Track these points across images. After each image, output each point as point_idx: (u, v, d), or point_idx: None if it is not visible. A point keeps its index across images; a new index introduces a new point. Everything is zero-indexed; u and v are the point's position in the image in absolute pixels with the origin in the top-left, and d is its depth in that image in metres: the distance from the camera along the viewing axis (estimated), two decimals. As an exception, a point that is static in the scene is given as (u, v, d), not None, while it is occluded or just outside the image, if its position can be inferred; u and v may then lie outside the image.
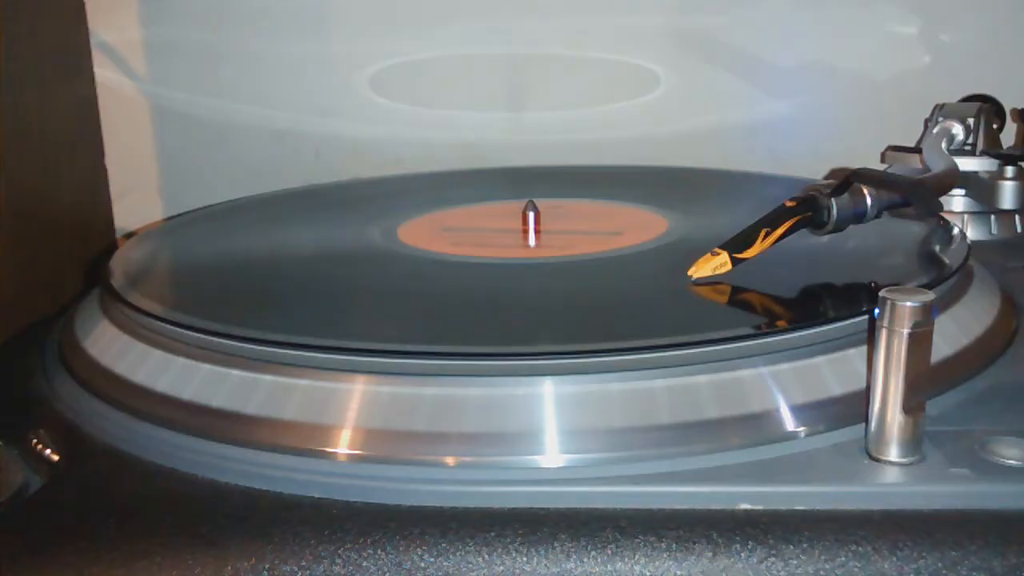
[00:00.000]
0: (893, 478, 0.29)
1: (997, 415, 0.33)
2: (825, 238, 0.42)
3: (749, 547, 0.27)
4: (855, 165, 0.44)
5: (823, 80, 0.71)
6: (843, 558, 0.27)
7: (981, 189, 0.54)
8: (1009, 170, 0.54)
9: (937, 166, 0.49)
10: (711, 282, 0.39)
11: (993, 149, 0.56)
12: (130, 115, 0.74)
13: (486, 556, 0.27)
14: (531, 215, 0.49)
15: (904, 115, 0.64)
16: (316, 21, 0.73)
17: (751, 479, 0.29)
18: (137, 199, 0.75)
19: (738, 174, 0.64)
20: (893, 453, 0.30)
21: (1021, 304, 0.43)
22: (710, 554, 0.27)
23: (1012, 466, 0.29)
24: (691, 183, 0.63)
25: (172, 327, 0.36)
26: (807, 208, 0.41)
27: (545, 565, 0.27)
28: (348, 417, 0.32)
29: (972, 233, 0.55)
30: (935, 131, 0.56)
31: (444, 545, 0.28)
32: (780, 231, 0.40)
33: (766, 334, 0.34)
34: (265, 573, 0.27)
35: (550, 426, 0.31)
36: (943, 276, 0.39)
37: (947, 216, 0.50)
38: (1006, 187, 0.53)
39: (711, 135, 0.73)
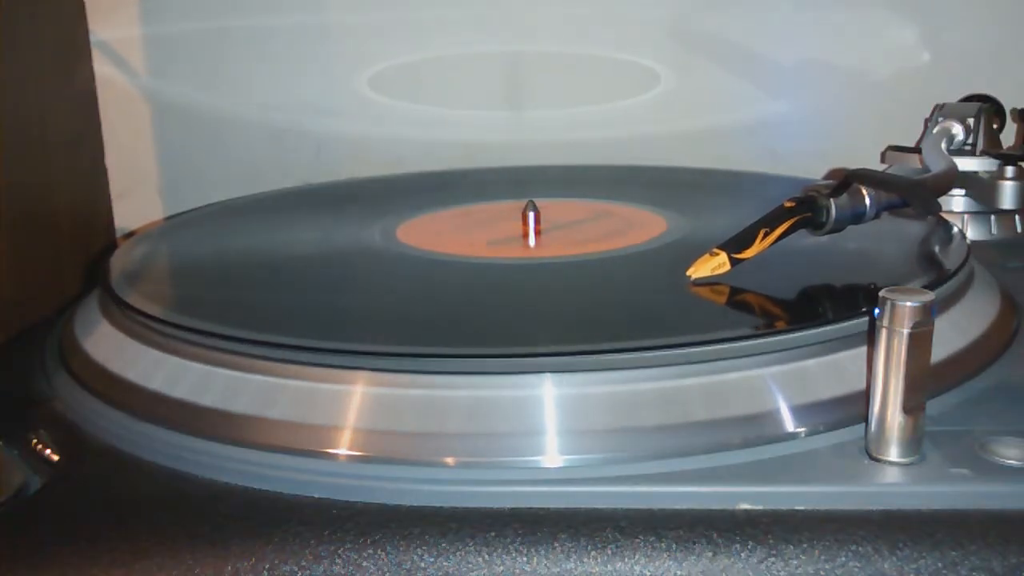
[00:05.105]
0: (893, 478, 0.29)
1: (997, 415, 0.33)
2: (825, 238, 0.42)
3: (749, 547, 0.27)
4: (855, 165, 0.44)
5: (823, 80, 0.71)
6: (843, 558, 0.27)
7: (981, 189, 0.54)
8: (1009, 170, 0.54)
9: (937, 166, 0.49)
10: (710, 282, 0.39)
11: (993, 149, 0.56)
12: (130, 114, 0.74)
13: (486, 556, 0.27)
14: (531, 215, 0.49)
15: (904, 115, 0.64)
16: (316, 20, 0.73)
17: (751, 479, 0.29)
18: (137, 199, 0.75)
19: (738, 174, 0.64)
20: (893, 453, 0.30)
21: (1021, 304, 0.43)
22: (710, 554, 0.27)
23: (1012, 466, 0.29)
24: (691, 183, 0.63)
25: (171, 328, 0.36)
26: (806, 208, 0.41)
27: (545, 565, 0.27)
28: (348, 417, 0.32)
29: (972, 233, 0.55)
30: (935, 131, 0.56)
31: (444, 545, 0.28)
32: (779, 231, 0.40)
33: (766, 334, 0.34)
34: (265, 573, 0.27)
35: (550, 426, 0.31)
36: (943, 276, 0.39)
37: (947, 216, 0.50)
38: (1006, 187, 0.53)
39: (711, 135, 0.73)
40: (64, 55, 0.69)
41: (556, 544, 0.28)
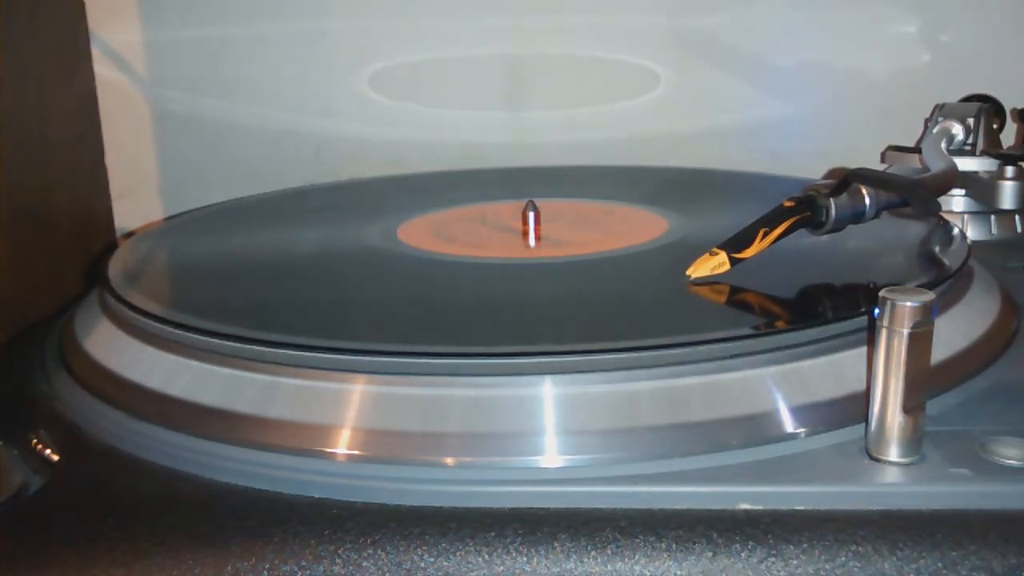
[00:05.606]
0: (893, 478, 0.29)
1: (997, 415, 0.33)
2: (824, 238, 0.42)
3: (749, 547, 0.27)
4: (855, 165, 0.44)
5: (823, 80, 0.71)
6: (843, 558, 0.27)
7: (981, 189, 0.54)
8: (1009, 170, 0.54)
9: (936, 166, 0.49)
10: (710, 282, 0.39)
11: (993, 149, 0.56)
12: (130, 115, 0.74)
13: (486, 556, 0.27)
14: (531, 215, 0.49)
15: (904, 115, 0.64)
16: (316, 21, 0.73)
17: (751, 479, 0.29)
18: (137, 199, 0.75)
19: (738, 174, 0.64)
20: (893, 453, 0.30)
21: (1021, 304, 0.43)
22: (710, 554, 0.27)
23: (1012, 466, 0.29)
24: (691, 183, 0.63)
25: (171, 327, 0.36)
26: (805, 208, 0.41)
27: (545, 565, 0.27)
28: (348, 417, 0.32)
29: (972, 233, 0.55)
30: (935, 131, 0.56)
31: (444, 545, 0.28)
32: (778, 231, 0.40)
33: (766, 334, 0.34)
34: (265, 573, 0.27)
35: (550, 426, 0.31)
36: (943, 276, 0.39)
37: (947, 216, 0.50)
38: (1006, 187, 0.53)
39: (711, 135, 0.73)
40: (64, 55, 0.69)
41: (556, 544, 0.28)
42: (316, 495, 0.30)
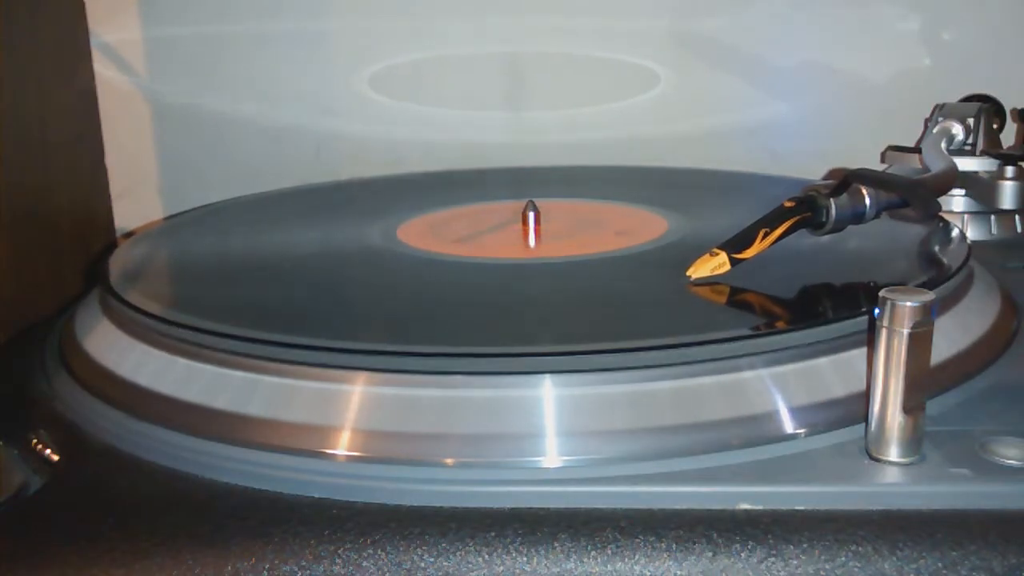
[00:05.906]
0: (893, 478, 0.29)
1: (997, 415, 0.33)
2: (825, 238, 0.42)
3: (749, 547, 0.27)
4: (855, 165, 0.44)
5: (823, 80, 0.71)
6: (843, 558, 0.27)
7: (981, 189, 0.54)
8: (1009, 170, 0.54)
9: (936, 166, 0.49)
10: (710, 282, 0.39)
11: (993, 149, 0.56)
12: (130, 114, 0.74)
13: (486, 556, 0.27)
14: (531, 215, 0.49)
15: (904, 115, 0.64)
16: (316, 21, 0.73)
17: (751, 479, 0.29)
18: (137, 199, 0.75)
19: (738, 174, 0.64)
20: (893, 453, 0.30)
21: (1021, 304, 0.43)
22: (710, 554, 0.27)
23: (1012, 466, 0.29)
24: (691, 183, 0.63)
25: (171, 327, 0.36)
26: (806, 208, 0.41)
27: (545, 565, 0.27)
28: (348, 417, 0.32)
29: (972, 233, 0.55)
30: (935, 131, 0.56)
31: (444, 545, 0.28)
32: (779, 231, 0.40)
33: (766, 334, 0.34)
34: (265, 573, 0.27)
35: (550, 426, 0.31)
36: (943, 276, 0.39)
37: (947, 216, 0.50)
38: (1006, 187, 0.53)
39: (711, 135, 0.73)
40: (64, 55, 0.69)
41: (556, 544, 0.28)
42: (316, 495, 0.30)
